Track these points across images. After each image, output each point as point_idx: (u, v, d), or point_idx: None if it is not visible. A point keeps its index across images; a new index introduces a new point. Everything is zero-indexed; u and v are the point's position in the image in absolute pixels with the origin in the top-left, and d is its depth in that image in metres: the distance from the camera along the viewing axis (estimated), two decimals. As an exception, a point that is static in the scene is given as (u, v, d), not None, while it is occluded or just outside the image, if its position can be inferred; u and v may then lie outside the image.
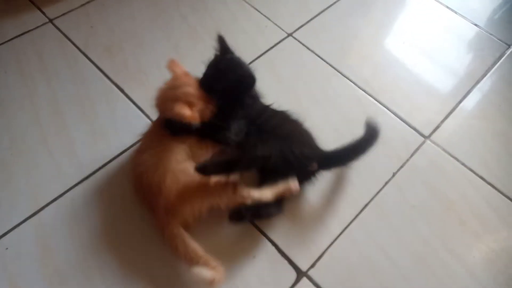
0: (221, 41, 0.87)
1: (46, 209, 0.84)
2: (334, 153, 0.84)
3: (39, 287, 0.76)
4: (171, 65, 0.83)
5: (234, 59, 0.86)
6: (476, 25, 1.28)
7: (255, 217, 0.83)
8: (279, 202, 0.82)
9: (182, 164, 0.78)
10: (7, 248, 0.79)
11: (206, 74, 0.84)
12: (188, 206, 0.75)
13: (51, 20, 1.16)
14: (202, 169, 0.74)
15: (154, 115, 0.94)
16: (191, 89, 0.79)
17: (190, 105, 0.76)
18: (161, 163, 0.77)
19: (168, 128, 0.81)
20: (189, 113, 0.74)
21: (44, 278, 0.76)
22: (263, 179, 0.81)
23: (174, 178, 0.75)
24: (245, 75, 0.84)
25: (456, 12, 1.31)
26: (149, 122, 0.98)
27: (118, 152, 0.93)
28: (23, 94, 1.01)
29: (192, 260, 0.72)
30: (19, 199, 0.85)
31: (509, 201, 0.93)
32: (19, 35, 1.12)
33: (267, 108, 0.90)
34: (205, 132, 0.82)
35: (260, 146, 0.80)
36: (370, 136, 0.86)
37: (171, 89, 0.80)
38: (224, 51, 0.86)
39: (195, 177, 0.76)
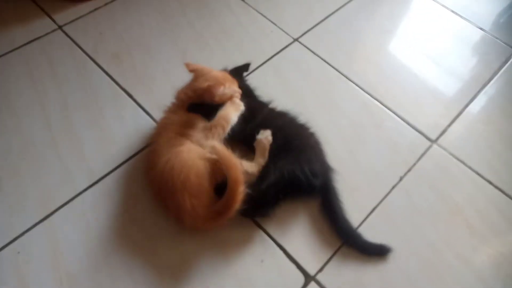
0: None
1: (57, 213, 0.85)
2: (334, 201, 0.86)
3: (50, 291, 0.77)
4: (188, 65, 0.90)
5: None
6: (481, 29, 1.28)
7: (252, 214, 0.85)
8: (275, 202, 0.84)
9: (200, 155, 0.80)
10: (18, 252, 0.80)
11: None
12: (209, 192, 0.78)
13: (60, 27, 1.18)
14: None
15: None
16: (217, 73, 0.90)
17: (219, 84, 0.85)
18: (184, 162, 0.78)
19: (193, 110, 0.87)
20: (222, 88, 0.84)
21: (55, 281, 0.77)
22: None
23: (197, 174, 0.77)
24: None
25: (461, 16, 1.31)
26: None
27: (127, 156, 0.94)
28: (34, 99, 1.02)
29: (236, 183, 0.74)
30: (30, 204, 0.86)
31: (516, 204, 0.93)
32: (29, 42, 1.14)
33: (268, 107, 0.95)
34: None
35: (273, 167, 0.82)
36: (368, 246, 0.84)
37: (196, 79, 0.89)
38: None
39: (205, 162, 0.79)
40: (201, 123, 0.85)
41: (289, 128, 0.90)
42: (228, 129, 0.84)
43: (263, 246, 0.83)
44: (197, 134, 0.84)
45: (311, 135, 0.92)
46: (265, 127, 0.87)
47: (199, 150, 0.81)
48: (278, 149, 0.85)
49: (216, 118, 0.84)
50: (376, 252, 0.83)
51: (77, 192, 0.88)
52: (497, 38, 1.26)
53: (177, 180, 0.76)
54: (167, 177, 0.77)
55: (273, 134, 0.86)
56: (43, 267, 0.79)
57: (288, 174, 0.81)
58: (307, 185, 0.83)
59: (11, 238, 0.82)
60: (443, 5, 1.34)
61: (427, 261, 0.84)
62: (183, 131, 0.84)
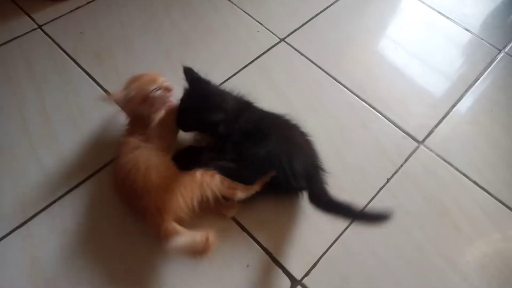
0: (188, 72, 0.86)
1: (35, 219, 0.82)
2: (331, 201, 0.81)
3: (27, 299, 0.74)
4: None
5: (200, 91, 0.86)
6: (467, 30, 1.29)
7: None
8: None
9: (163, 158, 0.79)
10: (-6, 260, 0.78)
11: (179, 112, 0.85)
12: (178, 200, 0.73)
13: (40, 26, 1.15)
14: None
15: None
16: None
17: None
18: (142, 160, 0.77)
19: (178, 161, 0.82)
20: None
21: (32, 290, 0.75)
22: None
23: (158, 173, 0.75)
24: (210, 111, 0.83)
25: (447, 17, 1.32)
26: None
27: (108, 160, 0.91)
28: (11, 101, 0.99)
29: (198, 250, 0.71)
30: (7, 209, 0.83)
31: (501, 205, 0.93)
32: (7, 42, 1.10)
33: (262, 111, 0.91)
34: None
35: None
36: (373, 215, 0.81)
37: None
38: (193, 83, 0.86)
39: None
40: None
41: (280, 127, 0.87)
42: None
43: (249, 250, 0.82)
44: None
45: (301, 134, 0.89)
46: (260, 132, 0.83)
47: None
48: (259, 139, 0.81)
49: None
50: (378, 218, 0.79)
51: (56, 197, 0.86)
52: (482, 39, 1.27)
53: (138, 179, 0.75)
54: (128, 177, 0.76)
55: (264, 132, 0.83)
56: (20, 274, 0.76)
57: (258, 168, 0.78)
58: (286, 183, 0.80)
59: (-14, 246, 0.79)
60: (429, 6, 1.34)
61: (413, 263, 0.84)
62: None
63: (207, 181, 0.75)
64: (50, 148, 0.92)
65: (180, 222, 0.74)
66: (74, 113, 0.98)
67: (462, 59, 1.23)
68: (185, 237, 0.71)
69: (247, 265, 0.80)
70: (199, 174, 0.76)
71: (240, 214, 0.85)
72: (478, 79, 1.17)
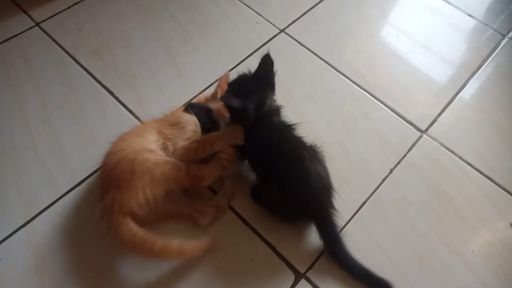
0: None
1: (39, 217, 0.83)
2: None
3: (33, 298, 0.75)
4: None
5: None
6: (470, 15, 1.27)
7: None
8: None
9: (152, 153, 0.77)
10: (0, 259, 0.78)
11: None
12: (138, 195, 0.72)
13: (38, 24, 1.14)
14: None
15: (144, 117, 0.94)
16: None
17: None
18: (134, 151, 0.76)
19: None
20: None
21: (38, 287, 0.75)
22: None
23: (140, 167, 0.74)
24: None
25: (450, 3, 1.29)
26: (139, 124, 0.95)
27: (110, 157, 0.91)
28: (11, 100, 0.99)
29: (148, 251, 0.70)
30: (11, 209, 0.84)
31: (506, 193, 0.92)
32: (5, 40, 1.10)
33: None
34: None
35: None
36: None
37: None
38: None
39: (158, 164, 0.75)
40: (189, 129, 0.82)
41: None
42: (209, 153, 0.80)
43: (252, 244, 0.82)
44: (178, 138, 0.80)
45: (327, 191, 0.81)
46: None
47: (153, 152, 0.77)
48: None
49: (206, 137, 0.81)
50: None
51: (59, 195, 0.86)
52: (486, 24, 1.25)
53: (111, 168, 0.74)
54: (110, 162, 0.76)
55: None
56: (25, 273, 0.77)
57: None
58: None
59: (-9, 245, 0.79)
60: (431, -8, 1.32)
61: (417, 254, 0.83)
62: (166, 129, 0.82)
63: (165, 171, 0.74)
64: (51, 146, 0.92)
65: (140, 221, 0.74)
66: (74, 110, 0.98)
67: (466, 46, 1.21)
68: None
69: (251, 259, 0.80)
70: (157, 163, 0.75)
71: (243, 208, 0.85)
72: (482, 66, 1.15)
